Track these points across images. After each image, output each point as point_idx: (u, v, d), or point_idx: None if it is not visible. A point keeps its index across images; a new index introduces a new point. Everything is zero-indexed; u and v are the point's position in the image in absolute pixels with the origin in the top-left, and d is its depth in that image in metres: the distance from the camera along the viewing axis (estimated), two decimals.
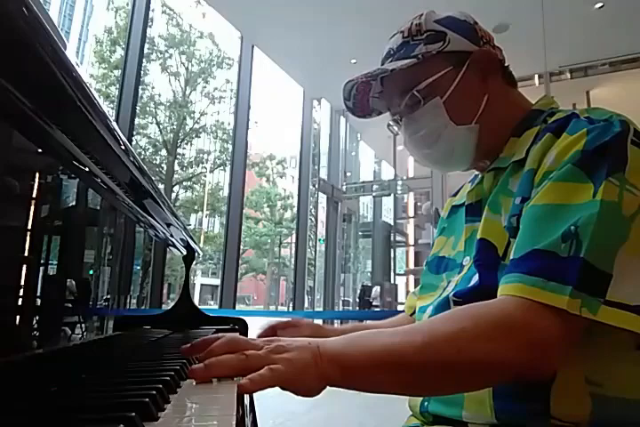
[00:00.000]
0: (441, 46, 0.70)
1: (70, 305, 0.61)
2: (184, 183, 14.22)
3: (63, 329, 0.60)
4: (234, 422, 0.36)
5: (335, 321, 6.73)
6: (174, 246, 1.28)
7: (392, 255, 10.21)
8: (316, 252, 10.21)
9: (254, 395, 0.81)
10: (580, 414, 0.54)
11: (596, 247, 0.50)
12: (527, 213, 0.58)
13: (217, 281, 9.49)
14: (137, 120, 10.84)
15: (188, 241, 1.28)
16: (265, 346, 0.49)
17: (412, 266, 11.07)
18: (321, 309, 9.16)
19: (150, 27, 9.12)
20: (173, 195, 13.34)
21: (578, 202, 0.53)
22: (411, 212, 11.79)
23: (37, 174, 0.49)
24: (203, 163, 14.56)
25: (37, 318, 0.51)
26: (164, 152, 13.45)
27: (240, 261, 8.28)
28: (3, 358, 0.43)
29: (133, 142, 9.83)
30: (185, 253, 1.35)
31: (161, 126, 13.44)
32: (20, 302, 0.46)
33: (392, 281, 9.85)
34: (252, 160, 17.39)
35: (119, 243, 0.83)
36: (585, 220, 0.51)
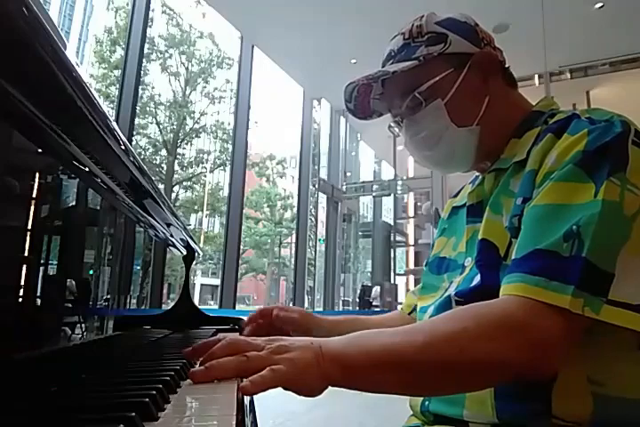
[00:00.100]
0: (442, 48, 0.71)
1: (70, 305, 0.61)
2: (184, 183, 14.23)
3: (63, 329, 0.60)
4: (234, 422, 0.36)
5: None
6: (174, 246, 1.28)
7: (392, 255, 10.22)
8: (315, 252, 10.21)
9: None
10: (582, 413, 0.54)
11: (597, 247, 0.50)
12: (529, 214, 0.58)
13: (217, 281, 9.49)
14: (137, 120, 10.84)
15: (187, 241, 1.28)
16: (266, 346, 0.49)
17: (412, 266, 11.08)
18: (321, 309, 9.16)
19: (150, 27, 9.12)
20: (173, 195, 13.34)
21: (579, 202, 0.53)
22: (411, 212, 11.80)
23: (37, 174, 0.49)
24: (203, 163, 14.57)
25: (37, 318, 0.51)
26: (164, 152, 13.46)
27: (240, 261, 8.29)
28: (3, 358, 0.43)
29: (133, 142, 9.83)
30: (185, 253, 1.35)
31: (161, 126, 13.44)
32: (20, 302, 0.46)
33: (392, 281, 9.86)
34: (252, 160, 17.38)
35: (119, 243, 0.83)
36: (586, 219, 0.51)
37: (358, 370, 0.49)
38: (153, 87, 13.07)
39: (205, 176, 14.94)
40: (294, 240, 9.85)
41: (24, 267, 0.47)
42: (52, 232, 0.54)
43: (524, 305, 0.50)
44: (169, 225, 1.07)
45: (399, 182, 10.24)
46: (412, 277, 10.10)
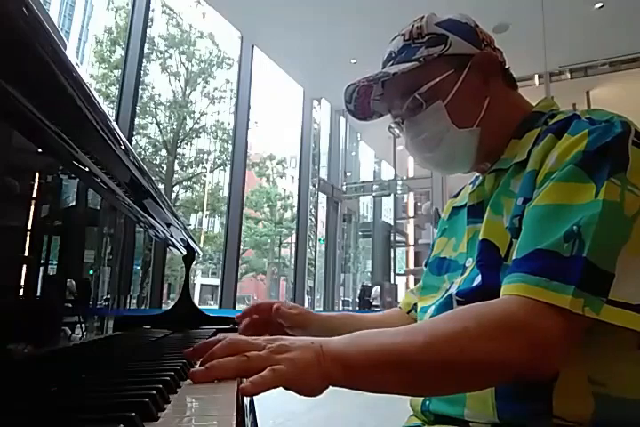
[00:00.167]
0: (442, 49, 0.71)
1: (70, 305, 0.61)
2: (184, 183, 14.22)
3: (63, 329, 0.60)
4: (234, 422, 0.36)
5: None
6: (174, 246, 1.28)
7: (392, 255, 10.22)
8: (315, 252, 10.21)
9: None
10: (583, 413, 0.54)
11: (598, 247, 0.50)
12: (529, 214, 0.58)
13: (217, 281, 9.50)
14: (137, 120, 10.84)
15: (188, 241, 1.28)
16: (267, 346, 0.49)
17: (412, 266, 11.08)
18: (321, 308, 9.16)
19: (150, 27, 9.11)
20: (173, 195, 13.33)
21: (580, 202, 0.53)
22: (411, 212, 11.80)
23: (37, 174, 0.49)
24: (203, 163, 14.56)
25: (37, 318, 0.51)
26: (164, 152, 13.45)
27: (240, 261, 8.28)
28: (3, 358, 0.43)
29: (133, 142, 9.83)
30: (185, 253, 1.35)
31: (161, 126, 13.43)
32: (20, 302, 0.46)
33: (392, 281, 9.86)
34: (252, 160, 17.37)
35: (119, 243, 0.83)
36: (587, 219, 0.51)
37: (359, 370, 0.49)
38: (153, 87, 13.07)
39: (205, 176, 14.94)
40: (294, 240, 9.85)
41: (24, 267, 0.47)
42: (51, 232, 0.54)
43: (524, 305, 0.50)
44: (169, 225, 1.07)
45: (399, 182, 10.24)
46: (411, 277, 10.09)
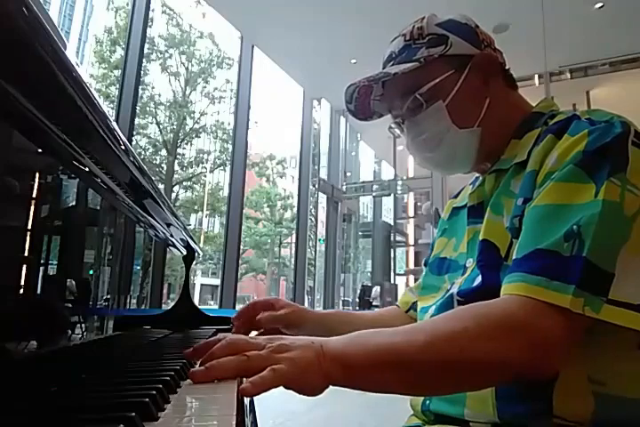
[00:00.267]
0: (443, 50, 0.71)
1: (70, 305, 0.61)
2: (184, 183, 14.21)
3: (63, 329, 0.60)
4: (234, 422, 0.36)
5: None
6: (174, 246, 1.28)
7: (392, 255, 10.22)
8: (315, 252, 10.21)
9: None
10: (583, 413, 0.54)
11: (598, 247, 0.50)
12: (529, 214, 0.58)
13: (217, 281, 9.49)
14: (137, 120, 10.84)
15: (188, 241, 1.28)
16: (267, 345, 0.49)
17: (412, 266, 11.08)
18: (321, 308, 9.16)
19: (150, 27, 9.11)
20: (173, 195, 13.32)
21: (580, 202, 0.53)
22: (411, 212, 11.81)
23: (37, 174, 0.49)
24: (203, 163, 14.55)
25: (37, 318, 0.51)
26: (164, 152, 13.44)
27: (240, 261, 8.28)
28: (3, 358, 0.43)
29: (133, 142, 9.82)
30: (185, 253, 1.35)
31: (161, 126, 13.42)
32: (20, 302, 0.46)
33: (392, 281, 9.86)
34: (252, 160, 17.37)
35: (119, 243, 0.83)
36: (587, 219, 0.52)
37: (359, 369, 0.49)
38: (153, 87, 13.06)
39: (205, 176, 14.94)
40: (294, 240, 9.85)
41: (24, 267, 0.47)
42: (52, 232, 0.54)
43: (524, 305, 0.51)
44: (169, 225, 1.07)
45: (399, 182, 10.24)
46: (411, 277, 10.09)
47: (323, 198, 9.83)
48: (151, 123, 13.23)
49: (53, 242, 0.54)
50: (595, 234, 0.51)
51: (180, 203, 13.67)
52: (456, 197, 0.87)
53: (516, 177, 0.66)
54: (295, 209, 10.45)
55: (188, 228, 1.23)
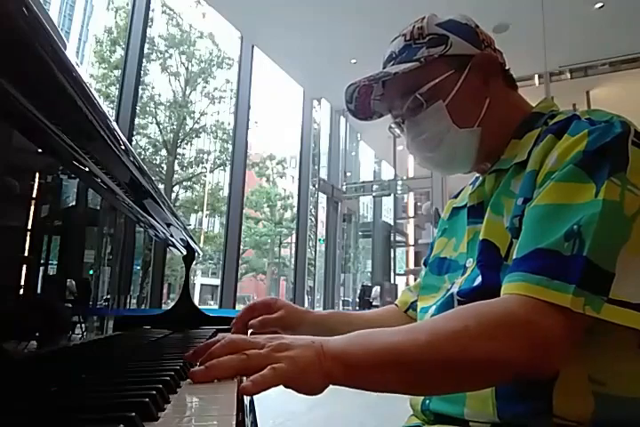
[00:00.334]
0: (443, 50, 0.71)
1: (70, 305, 0.61)
2: (184, 183, 14.20)
3: (63, 329, 0.60)
4: (234, 422, 0.36)
5: None
6: (174, 246, 1.28)
7: (392, 255, 10.22)
8: (315, 252, 10.21)
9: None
10: (583, 412, 0.54)
11: (598, 246, 0.50)
12: (529, 214, 0.58)
13: (217, 281, 9.49)
14: (137, 120, 10.83)
15: (188, 241, 1.28)
16: (267, 344, 0.49)
17: (412, 266, 11.08)
18: (321, 309, 9.16)
19: (150, 27, 9.10)
20: (173, 195, 13.32)
21: (580, 201, 0.53)
22: (411, 212, 11.81)
23: (37, 174, 0.49)
24: (203, 163, 14.54)
25: (37, 318, 0.51)
26: (164, 152, 13.43)
27: (240, 261, 8.28)
28: (3, 358, 0.43)
29: (133, 142, 9.82)
30: (185, 253, 1.35)
31: (161, 126, 13.42)
32: (19, 302, 0.46)
33: (392, 281, 9.86)
34: (252, 160, 17.36)
35: (119, 243, 0.83)
36: (587, 219, 0.52)
37: (359, 369, 0.49)
38: (153, 87, 13.06)
39: (205, 176, 14.93)
40: (294, 240, 9.85)
41: (24, 267, 0.47)
42: (52, 232, 0.54)
43: (525, 304, 0.51)
44: (169, 225, 1.07)
45: (399, 182, 10.24)
46: (411, 277, 10.09)
47: (323, 198, 9.84)
48: (151, 123, 13.23)
49: (53, 242, 0.54)
50: (595, 234, 0.51)
51: (180, 203, 13.67)
52: (456, 197, 0.87)
53: (516, 177, 0.66)
54: (295, 209, 10.45)
55: (188, 228, 1.23)
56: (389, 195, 10.39)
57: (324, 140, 10.12)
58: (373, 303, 9.14)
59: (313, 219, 9.92)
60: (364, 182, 11.05)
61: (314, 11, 6.53)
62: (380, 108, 0.80)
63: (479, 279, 0.62)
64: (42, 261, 0.51)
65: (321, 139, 10.05)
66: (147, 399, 0.39)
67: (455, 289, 0.67)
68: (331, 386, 0.49)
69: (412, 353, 0.49)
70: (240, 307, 0.87)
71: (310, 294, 10.04)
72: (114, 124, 0.56)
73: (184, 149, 14.34)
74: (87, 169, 0.60)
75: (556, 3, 6.01)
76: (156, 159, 13.36)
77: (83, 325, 0.66)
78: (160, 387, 0.44)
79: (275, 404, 2.84)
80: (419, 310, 0.79)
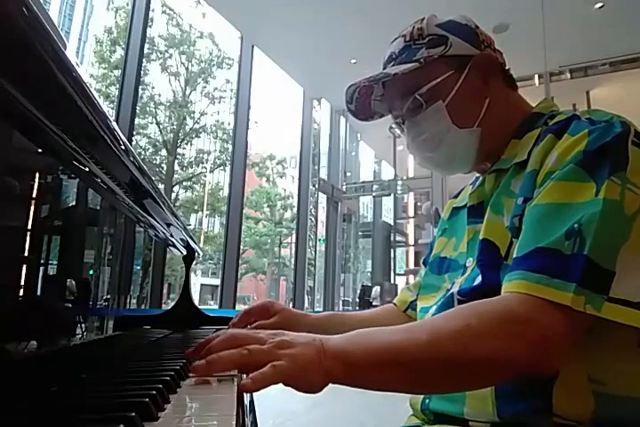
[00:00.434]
0: (443, 50, 0.71)
1: (70, 305, 0.61)
2: (184, 183, 14.20)
3: (63, 329, 0.60)
4: (234, 422, 0.36)
5: None
6: (174, 246, 1.28)
7: (392, 255, 10.23)
8: (315, 252, 10.21)
9: (255, 394, 0.81)
10: (583, 412, 0.54)
11: (599, 245, 0.51)
12: (530, 213, 0.58)
13: (217, 281, 9.49)
14: (137, 120, 10.83)
15: (188, 241, 1.28)
16: (268, 340, 0.49)
17: (412, 266, 11.08)
18: (321, 309, 9.16)
19: (150, 27, 9.10)
20: (173, 195, 13.32)
21: (580, 200, 0.54)
22: (411, 212, 11.81)
23: (37, 174, 0.49)
24: (203, 163, 14.54)
25: (37, 318, 0.51)
26: (164, 152, 13.43)
27: (240, 261, 8.28)
28: (3, 358, 0.43)
29: (133, 142, 9.82)
30: (185, 253, 1.35)
31: (161, 126, 13.42)
32: (20, 302, 0.46)
33: (392, 281, 9.86)
34: (252, 160, 17.36)
35: (119, 243, 0.83)
36: (588, 218, 0.52)
37: (360, 368, 0.49)
38: (153, 87, 13.06)
39: (205, 176, 14.93)
40: (294, 240, 9.85)
41: (24, 267, 0.47)
42: (52, 232, 0.54)
43: (525, 302, 0.51)
44: (169, 225, 1.07)
45: (399, 182, 10.24)
46: (411, 278, 10.09)
47: (323, 198, 9.84)
48: (151, 123, 13.23)
49: (53, 242, 0.54)
50: (596, 232, 0.51)
51: (180, 203, 13.67)
52: (456, 197, 0.87)
53: (516, 177, 0.66)
54: (295, 209, 10.45)
55: (188, 228, 1.23)
56: (389, 195, 10.40)
57: (324, 140, 10.12)
58: (373, 303, 9.15)
59: (313, 219, 9.92)
60: (364, 182, 11.05)
61: (314, 11, 6.54)
62: (380, 109, 0.80)
63: (479, 279, 0.63)
64: (42, 261, 0.51)
65: (321, 139, 10.05)
66: (147, 399, 0.39)
67: (455, 289, 0.67)
68: (331, 385, 0.49)
69: (412, 352, 0.49)
70: (240, 307, 0.88)
71: (310, 294, 10.04)
72: (114, 124, 0.56)
73: (184, 149, 14.34)
74: (87, 169, 0.60)
75: (556, 3, 6.01)
76: (155, 159, 13.36)
77: (83, 325, 0.66)
78: (160, 387, 0.44)
79: (275, 404, 2.84)
80: (419, 309, 0.79)
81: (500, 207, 0.66)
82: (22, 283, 0.46)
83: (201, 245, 9.09)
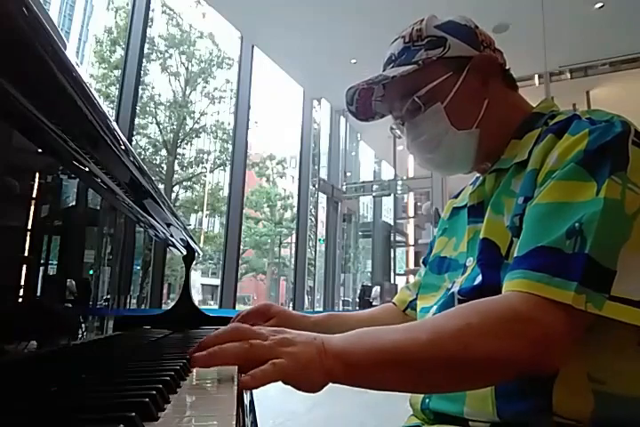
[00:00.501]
0: (441, 52, 0.71)
1: (70, 305, 0.61)
2: (184, 183, 14.21)
3: (63, 329, 0.60)
4: (234, 422, 0.36)
5: None
6: (174, 246, 1.28)
7: (392, 255, 10.23)
8: (315, 252, 10.21)
9: (255, 394, 0.81)
10: (583, 411, 0.54)
11: (600, 244, 0.51)
12: (531, 212, 0.58)
13: (217, 281, 9.50)
14: (137, 120, 10.84)
15: (188, 241, 1.28)
16: (270, 337, 0.49)
17: (412, 266, 11.08)
18: (321, 309, 9.16)
19: (150, 27, 9.10)
20: (173, 195, 13.32)
21: (581, 200, 0.54)
22: (411, 212, 11.82)
23: (37, 174, 0.49)
24: (203, 163, 14.55)
25: (37, 318, 0.51)
26: (164, 152, 13.44)
27: (240, 261, 8.28)
28: (3, 358, 0.43)
29: (133, 142, 9.82)
30: (185, 253, 1.35)
31: (161, 126, 13.42)
32: (19, 302, 0.46)
33: (392, 281, 9.87)
34: (252, 160, 17.37)
35: (119, 243, 0.83)
36: (589, 217, 0.52)
37: (361, 367, 0.49)
38: (153, 87, 13.06)
39: (205, 176, 14.94)
40: (294, 240, 9.85)
41: (24, 267, 0.47)
42: (52, 232, 0.54)
43: (526, 301, 0.51)
44: (169, 225, 1.07)
45: (399, 182, 10.24)
46: (411, 278, 10.09)
47: (323, 198, 9.84)
48: (151, 123, 13.23)
49: (53, 242, 0.54)
50: (597, 231, 0.51)
51: (180, 203, 13.67)
52: (456, 197, 0.87)
53: (516, 176, 0.66)
54: (295, 209, 10.45)
55: (188, 228, 1.23)
56: (389, 195, 10.40)
57: (324, 140, 10.12)
58: (373, 303, 9.14)
59: (313, 219, 9.92)
60: (364, 182, 11.06)
61: (314, 11, 6.54)
62: (381, 109, 0.80)
63: (479, 278, 0.63)
64: (42, 262, 0.51)
65: (321, 139, 10.05)
66: (147, 399, 0.39)
67: (456, 288, 0.67)
68: (330, 385, 0.49)
69: (413, 352, 0.49)
70: (240, 307, 0.88)
71: (310, 294, 10.04)
72: (114, 124, 0.56)
73: (184, 149, 14.34)
74: (87, 169, 0.60)
75: (556, 3, 6.01)
76: (155, 159, 13.37)
77: (83, 325, 0.66)
78: (160, 387, 0.44)
79: (275, 404, 2.84)
80: (419, 309, 0.79)
81: (500, 207, 0.66)
82: (22, 283, 0.46)
83: (201, 245, 9.09)
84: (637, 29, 6.50)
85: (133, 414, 0.34)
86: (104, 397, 0.45)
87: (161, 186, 8.66)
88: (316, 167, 9.71)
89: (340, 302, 10.04)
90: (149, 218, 0.96)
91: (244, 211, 8.31)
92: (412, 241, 11.48)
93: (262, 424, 0.73)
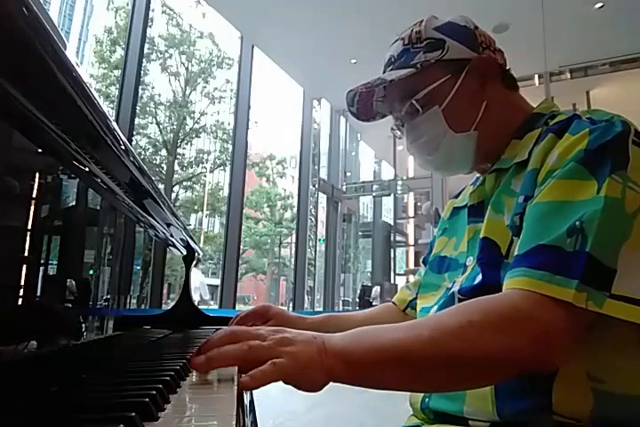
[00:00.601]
0: (440, 55, 0.71)
1: (70, 305, 0.61)
2: (184, 183, 14.21)
3: (63, 329, 0.60)
4: (234, 422, 0.36)
5: None
6: (174, 246, 1.28)
7: (392, 255, 10.23)
8: (315, 252, 10.21)
9: (255, 394, 0.82)
10: (582, 410, 0.54)
11: (600, 243, 0.51)
12: (531, 211, 0.58)
13: (217, 281, 9.50)
14: (137, 120, 10.84)
15: (188, 241, 1.28)
16: (269, 337, 0.49)
17: (412, 266, 11.09)
18: (321, 309, 9.16)
19: (150, 27, 9.10)
20: (173, 195, 13.33)
21: (582, 198, 0.54)
22: (411, 212, 11.82)
23: (37, 174, 0.49)
24: (203, 163, 14.56)
25: (37, 318, 0.51)
26: (164, 152, 13.45)
27: (240, 261, 8.28)
28: (3, 358, 0.43)
29: (133, 142, 9.83)
30: (185, 253, 1.35)
31: (161, 126, 13.43)
32: (19, 303, 0.46)
33: (392, 281, 9.87)
34: (252, 160, 17.38)
35: (119, 243, 0.83)
36: (590, 215, 0.52)
37: (361, 366, 0.49)
38: (153, 87, 13.07)
39: (205, 176, 14.94)
40: (294, 240, 9.85)
41: (24, 267, 0.47)
42: (52, 232, 0.54)
43: (527, 299, 0.51)
44: (169, 225, 1.07)
45: (399, 182, 10.25)
46: (411, 278, 10.08)
47: (323, 198, 9.84)
48: (151, 123, 13.24)
49: (53, 242, 0.54)
50: (597, 230, 0.51)
51: (180, 203, 13.68)
52: (457, 197, 0.88)
53: (516, 176, 0.66)
54: (295, 209, 10.45)
55: (187, 228, 1.23)
56: (389, 195, 10.41)
57: (324, 140, 10.12)
58: (373, 303, 9.15)
59: (313, 219, 9.92)
60: (364, 182, 11.06)
61: (314, 11, 6.54)
62: (382, 109, 0.80)
63: (480, 277, 0.63)
64: (42, 262, 0.51)
65: (321, 139, 10.05)
66: (147, 399, 0.39)
67: (456, 288, 0.67)
68: (331, 385, 0.49)
69: (414, 350, 0.49)
70: (240, 307, 0.88)
71: (310, 294, 10.04)
72: (114, 124, 0.56)
73: (184, 149, 14.35)
74: (87, 169, 0.60)
75: (556, 3, 6.01)
76: (155, 159, 13.37)
77: (83, 325, 0.66)
78: (160, 387, 0.44)
79: (275, 404, 2.84)
80: (419, 309, 0.79)
81: (500, 206, 0.66)
82: (22, 283, 0.46)
83: (201, 245, 9.09)
84: (637, 29, 6.51)
85: (133, 414, 0.34)
86: (104, 397, 0.45)
87: (161, 186, 8.67)
88: (316, 167, 9.71)
89: (340, 302, 10.04)
90: (149, 218, 0.96)
91: (244, 211, 8.32)
92: (411, 241, 11.49)
93: (262, 424, 0.73)
